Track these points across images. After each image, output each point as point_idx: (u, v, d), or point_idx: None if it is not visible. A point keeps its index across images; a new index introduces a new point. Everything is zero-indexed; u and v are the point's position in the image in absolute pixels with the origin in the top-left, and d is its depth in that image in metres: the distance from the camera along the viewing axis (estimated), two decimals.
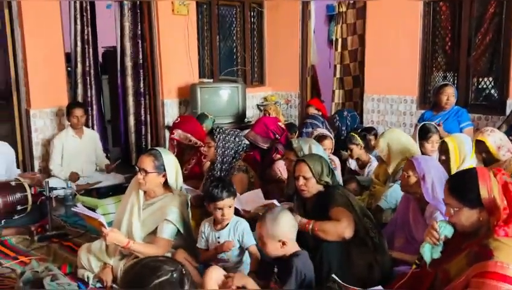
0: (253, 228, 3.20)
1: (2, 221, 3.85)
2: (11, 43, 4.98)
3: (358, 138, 4.33)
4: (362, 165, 4.42)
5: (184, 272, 1.31)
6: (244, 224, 2.89)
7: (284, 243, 2.43)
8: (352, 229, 2.59)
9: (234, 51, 7.01)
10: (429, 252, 2.10)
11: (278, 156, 4.02)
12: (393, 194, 3.27)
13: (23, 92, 5.04)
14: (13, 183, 3.90)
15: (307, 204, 2.87)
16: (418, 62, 5.75)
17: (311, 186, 2.79)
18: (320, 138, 4.02)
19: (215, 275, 2.53)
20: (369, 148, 4.56)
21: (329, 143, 4.08)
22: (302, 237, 2.78)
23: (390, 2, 5.78)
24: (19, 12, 4.89)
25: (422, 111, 5.20)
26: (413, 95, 5.83)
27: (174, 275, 1.28)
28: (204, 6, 6.47)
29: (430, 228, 2.14)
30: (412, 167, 2.80)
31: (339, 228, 2.57)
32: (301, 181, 2.78)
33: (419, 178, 2.76)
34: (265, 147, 4.13)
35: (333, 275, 2.36)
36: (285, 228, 2.42)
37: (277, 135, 4.06)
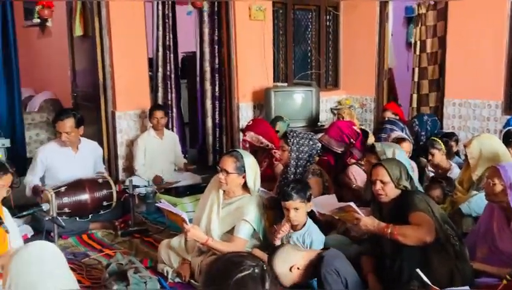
0: (327, 231, 3.21)
1: (90, 216, 4.11)
2: (100, 49, 5.33)
3: (441, 143, 4.16)
4: (442, 172, 4.24)
5: (265, 268, 1.34)
6: (315, 234, 2.90)
7: (297, 268, 2.53)
8: (433, 234, 2.51)
9: (309, 54, 7.01)
10: None
11: (353, 160, 3.98)
12: (478, 201, 3.12)
13: (110, 95, 5.36)
14: (100, 180, 4.16)
15: (383, 209, 2.82)
16: (504, 65, 5.43)
17: (389, 191, 2.73)
18: (397, 141, 3.92)
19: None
20: (450, 154, 4.37)
21: (407, 146, 3.95)
22: (379, 241, 2.75)
23: (474, 2, 5.51)
24: (107, 20, 5.21)
25: (508, 117, 4.92)
26: (498, 100, 5.51)
27: (256, 270, 1.31)
28: (280, 11, 6.53)
29: None
30: (498, 175, 2.67)
31: (420, 233, 2.50)
32: (378, 185, 2.74)
33: (505, 186, 2.62)
34: (339, 151, 4.10)
35: (417, 270, 2.32)
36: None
37: (352, 139, 4.00)
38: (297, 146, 3.55)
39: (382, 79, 6.79)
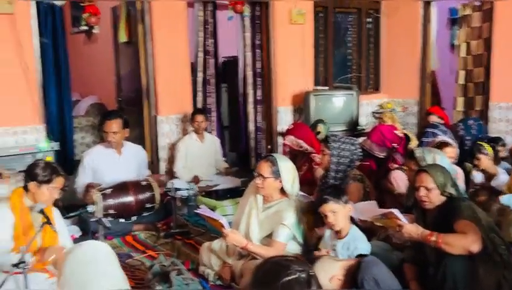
0: (367, 238, 3.16)
1: (133, 217, 4.21)
2: (143, 55, 5.47)
3: (488, 148, 4.03)
4: (488, 178, 4.11)
5: (312, 274, 1.35)
6: (361, 241, 2.88)
7: (338, 279, 2.52)
8: (480, 243, 2.44)
9: (349, 57, 6.95)
10: None
11: (395, 165, 3.91)
12: None
13: (153, 99, 5.49)
14: (143, 183, 4.25)
15: (427, 216, 2.76)
16: None
17: (433, 198, 2.68)
18: (441, 145, 3.82)
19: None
20: (496, 160, 4.23)
21: (452, 151, 3.85)
22: (422, 249, 2.70)
23: None
24: (151, 26, 5.34)
25: None
26: None
27: (303, 275, 1.32)
28: (321, 14, 6.51)
29: None
30: None
31: (466, 242, 2.43)
32: (422, 192, 2.69)
33: None
34: (381, 156, 4.05)
35: None
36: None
37: (394, 144, 3.94)
38: (338, 151, 3.53)
39: (425, 82, 6.65)
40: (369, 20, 6.97)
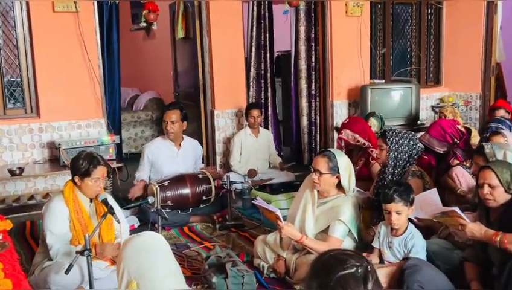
0: (427, 236, 3.07)
1: (190, 209, 4.32)
2: (200, 51, 5.57)
3: None
4: None
5: (369, 269, 1.32)
6: (418, 239, 2.80)
7: None
8: None
9: (408, 50, 6.75)
10: None
11: (456, 161, 3.75)
12: None
13: (209, 94, 5.59)
14: (200, 176, 4.35)
15: (491, 214, 2.64)
16: None
17: (497, 196, 2.55)
18: (491, 135, 3.62)
19: None
20: None
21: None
22: (485, 249, 2.59)
23: None
24: (208, 22, 5.42)
25: None
26: None
27: (359, 270, 1.30)
28: (379, 6, 6.36)
29: None
30: None
31: None
32: (486, 189, 2.57)
33: None
34: (441, 152, 3.89)
35: None
36: None
37: (455, 139, 3.78)
38: (396, 146, 3.43)
39: (489, 75, 6.35)
40: (430, 11, 6.72)
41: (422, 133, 4.93)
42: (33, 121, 4.78)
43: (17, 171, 4.32)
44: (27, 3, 4.62)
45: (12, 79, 4.83)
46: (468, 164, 3.62)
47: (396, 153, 3.44)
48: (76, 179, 2.97)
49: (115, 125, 5.55)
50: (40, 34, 4.68)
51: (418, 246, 2.77)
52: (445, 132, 3.83)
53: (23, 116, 4.80)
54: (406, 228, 2.84)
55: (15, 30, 4.70)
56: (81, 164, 2.94)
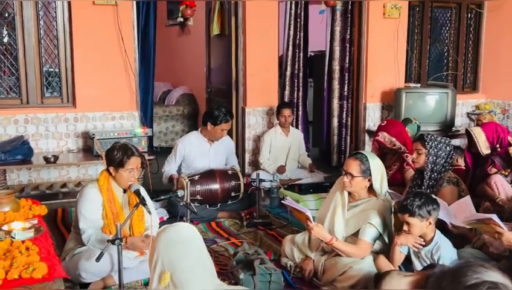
0: (460, 245, 2.99)
1: (218, 205, 4.33)
2: (234, 48, 5.58)
3: None
4: None
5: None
6: (445, 249, 2.73)
7: None
8: None
9: (445, 54, 6.60)
10: None
11: (494, 169, 3.65)
12: None
13: (241, 92, 5.59)
14: (230, 172, 4.36)
15: None
16: None
17: None
18: None
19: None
20: None
21: None
22: None
23: None
24: (243, 19, 5.43)
25: None
26: None
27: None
28: (417, 9, 6.24)
29: None
30: None
31: None
32: None
33: None
34: (483, 153, 3.76)
35: None
36: None
37: (498, 145, 3.66)
38: (435, 150, 3.35)
39: None
40: (470, 16, 6.56)
41: (456, 139, 4.82)
42: (69, 110, 4.89)
43: (52, 159, 4.42)
44: None
45: (50, 69, 4.94)
46: (506, 173, 3.51)
47: (434, 158, 3.36)
48: (111, 169, 3.02)
49: (147, 119, 5.60)
50: (80, 26, 4.77)
51: (444, 258, 2.70)
52: (498, 134, 3.71)
53: (59, 106, 4.90)
54: (433, 238, 2.77)
55: (55, 21, 4.80)
56: (116, 155, 2.99)
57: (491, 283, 1.23)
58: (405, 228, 2.74)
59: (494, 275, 1.26)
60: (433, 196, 3.10)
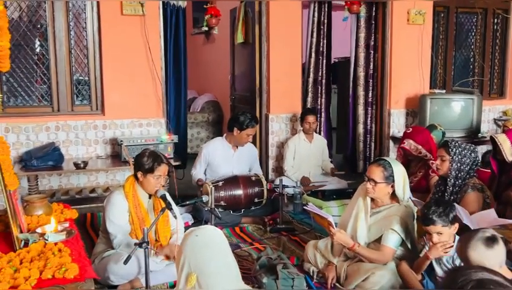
0: None
1: (242, 210, 4.39)
2: (258, 56, 5.66)
3: None
4: None
5: None
6: None
7: None
8: None
9: (471, 60, 6.54)
10: None
11: None
12: None
13: (265, 98, 5.66)
14: (253, 178, 4.42)
15: None
16: None
17: None
18: None
19: None
20: None
21: None
22: None
23: None
24: (267, 27, 5.50)
25: None
26: None
27: None
28: (442, 15, 6.21)
29: None
30: None
31: None
32: None
33: None
34: (508, 160, 3.72)
35: None
36: (476, 258, 2.15)
37: None
38: (459, 157, 3.33)
39: None
40: (496, 21, 6.48)
41: (483, 146, 4.75)
42: (98, 118, 5.03)
43: (82, 165, 4.55)
44: (98, 5, 4.88)
45: (80, 78, 5.10)
46: None
47: (459, 164, 3.34)
48: (139, 174, 3.11)
49: (180, 126, 5.69)
50: (109, 36, 4.92)
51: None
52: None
53: (89, 113, 5.06)
54: (454, 245, 2.76)
55: (85, 31, 4.96)
56: (146, 161, 3.08)
57: (476, 281, 1.29)
58: (435, 239, 2.72)
59: (481, 274, 1.30)
60: (455, 204, 3.10)
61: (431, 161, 4.02)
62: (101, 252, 3.17)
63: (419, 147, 4.10)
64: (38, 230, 2.65)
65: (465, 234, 2.31)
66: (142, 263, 2.84)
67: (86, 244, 3.73)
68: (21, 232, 2.58)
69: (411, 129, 4.38)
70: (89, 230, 4.18)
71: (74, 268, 2.20)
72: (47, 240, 2.50)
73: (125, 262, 2.75)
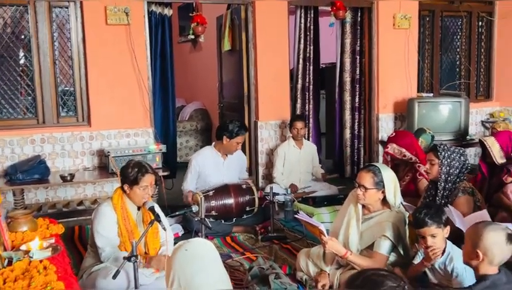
0: None
1: (233, 219, 4.34)
2: (246, 63, 5.63)
3: None
4: None
5: (407, 288, 1.29)
6: (458, 259, 2.68)
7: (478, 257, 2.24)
8: None
9: (457, 63, 6.58)
10: None
11: (510, 179, 3.61)
12: None
13: (253, 105, 5.63)
14: (244, 186, 4.37)
15: None
16: None
17: None
18: None
19: None
20: None
21: None
22: None
23: None
24: (254, 34, 5.48)
25: None
26: None
27: None
28: (427, 19, 6.25)
29: None
30: None
31: None
32: None
33: None
34: (497, 162, 3.73)
35: None
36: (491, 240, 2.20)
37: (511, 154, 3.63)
38: (448, 160, 3.32)
39: None
40: (481, 24, 6.54)
41: (471, 148, 4.76)
42: (84, 129, 4.96)
43: (68, 178, 4.48)
44: (82, 15, 4.82)
45: (66, 88, 5.04)
46: None
47: (448, 168, 3.33)
48: (126, 187, 3.05)
49: (169, 135, 5.63)
50: (94, 46, 4.87)
51: (458, 269, 2.66)
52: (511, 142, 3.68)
53: (75, 125, 4.99)
54: (445, 249, 2.74)
55: (70, 42, 4.91)
56: (130, 172, 3.02)
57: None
58: (429, 242, 2.69)
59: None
60: (449, 206, 3.09)
61: (417, 164, 4.01)
62: (90, 267, 3.10)
63: (403, 150, 4.09)
64: (23, 247, 2.57)
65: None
66: (132, 277, 2.78)
67: (74, 258, 3.68)
68: (5, 250, 2.51)
69: (394, 133, 4.39)
70: (77, 244, 4.10)
71: (60, 286, 2.13)
72: (32, 257, 2.43)
73: (114, 277, 2.69)
